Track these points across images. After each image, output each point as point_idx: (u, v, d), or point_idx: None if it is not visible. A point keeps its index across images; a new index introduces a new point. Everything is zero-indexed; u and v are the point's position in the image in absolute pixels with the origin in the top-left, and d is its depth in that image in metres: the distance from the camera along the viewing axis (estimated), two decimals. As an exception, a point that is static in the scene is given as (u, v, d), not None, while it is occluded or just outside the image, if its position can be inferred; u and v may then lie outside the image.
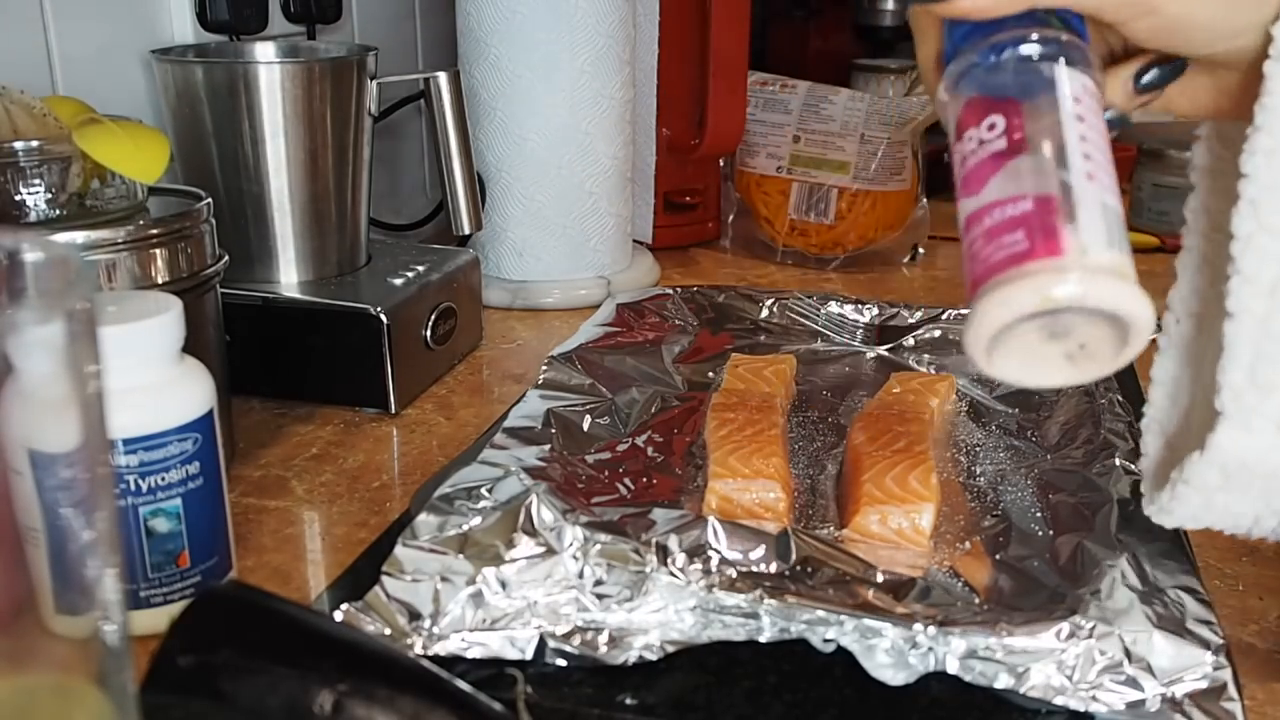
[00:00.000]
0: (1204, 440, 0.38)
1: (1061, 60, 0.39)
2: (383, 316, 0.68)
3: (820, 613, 0.42)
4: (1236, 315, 0.38)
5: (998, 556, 0.49)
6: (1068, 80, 0.39)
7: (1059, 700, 0.40)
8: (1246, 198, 0.38)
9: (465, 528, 0.46)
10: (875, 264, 1.04)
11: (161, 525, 0.45)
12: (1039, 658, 0.40)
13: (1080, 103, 0.38)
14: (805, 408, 0.67)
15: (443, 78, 0.76)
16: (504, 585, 0.44)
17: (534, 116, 0.87)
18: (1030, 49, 0.39)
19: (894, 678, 0.41)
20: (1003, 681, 0.40)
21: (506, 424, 0.58)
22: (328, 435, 0.66)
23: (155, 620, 0.40)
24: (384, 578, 0.45)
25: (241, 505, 0.57)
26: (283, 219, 0.71)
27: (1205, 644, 0.40)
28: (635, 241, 0.99)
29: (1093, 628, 0.40)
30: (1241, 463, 0.38)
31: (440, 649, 0.43)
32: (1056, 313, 0.35)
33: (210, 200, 0.58)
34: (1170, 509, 0.41)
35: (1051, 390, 0.67)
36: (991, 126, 0.38)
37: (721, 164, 1.12)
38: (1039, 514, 0.53)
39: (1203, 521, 0.41)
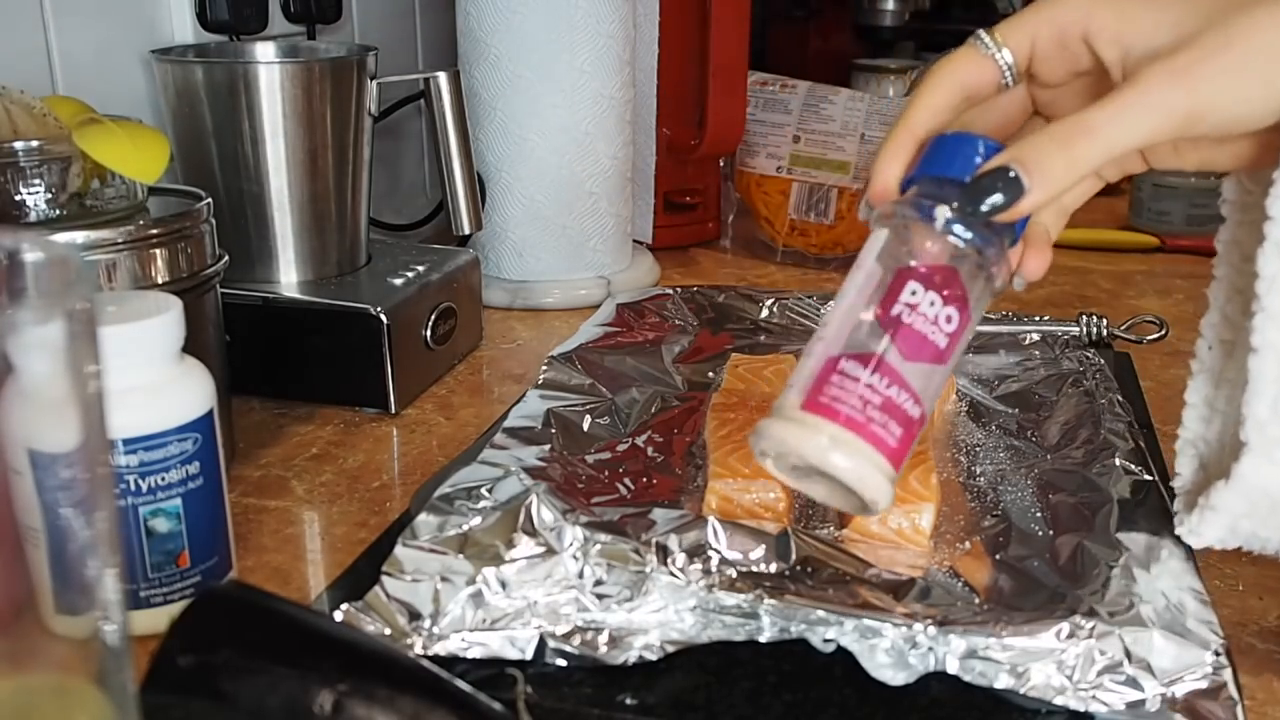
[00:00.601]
0: (1230, 469, 0.39)
1: (987, 299, 0.43)
2: (383, 316, 0.68)
3: (820, 613, 0.42)
4: (1261, 350, 0.39)
5: (998, 556, 0.49)
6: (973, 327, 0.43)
7: (1059, 700, 0.40)
8: (1272, 239, 0.39)
9: (465, 528, 0.46)
10: (875, 264, 1.04)
11: (161, 525, 0.45)
12: (1039, 658, 0.40)
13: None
14: (805, 408, 0.66)
15: (443, 78, 0.76)
16: (504, 585, 0.44)
17: (534, 116, 0.87)
18: (996, 280, 0.42)
19: (894, 678, 0.41)
20: (1003, 681, 0.40)
21: (506, 424, 0.58)
22: (328, 435, 0.66)
23: (155, 620, 0.40)
24: (384, 578, 0.45)
25: (241, 505, 0.57)
26: (283, 219, 0.71)
27: (1205, 644, 0.40)
28: (635, 241, 0.99)
29: (1093, 628, 0.40)
30: (1264, 491, 0.40)
31: (440, 649, 0.43)
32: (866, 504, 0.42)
33: (210, 200, 0.58)
34: (1199, 531, 0.43)
35: (1051, 390, 0.67)
36: (949, 319, 0.41)
37: (721, 164, 1.12)
38: (1039, 514, 0.53)
39: (1229, 544, 0.43)
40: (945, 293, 0.40)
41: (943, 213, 0.41)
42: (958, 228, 0.41)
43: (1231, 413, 0.45)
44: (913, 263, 0.41)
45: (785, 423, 0.41)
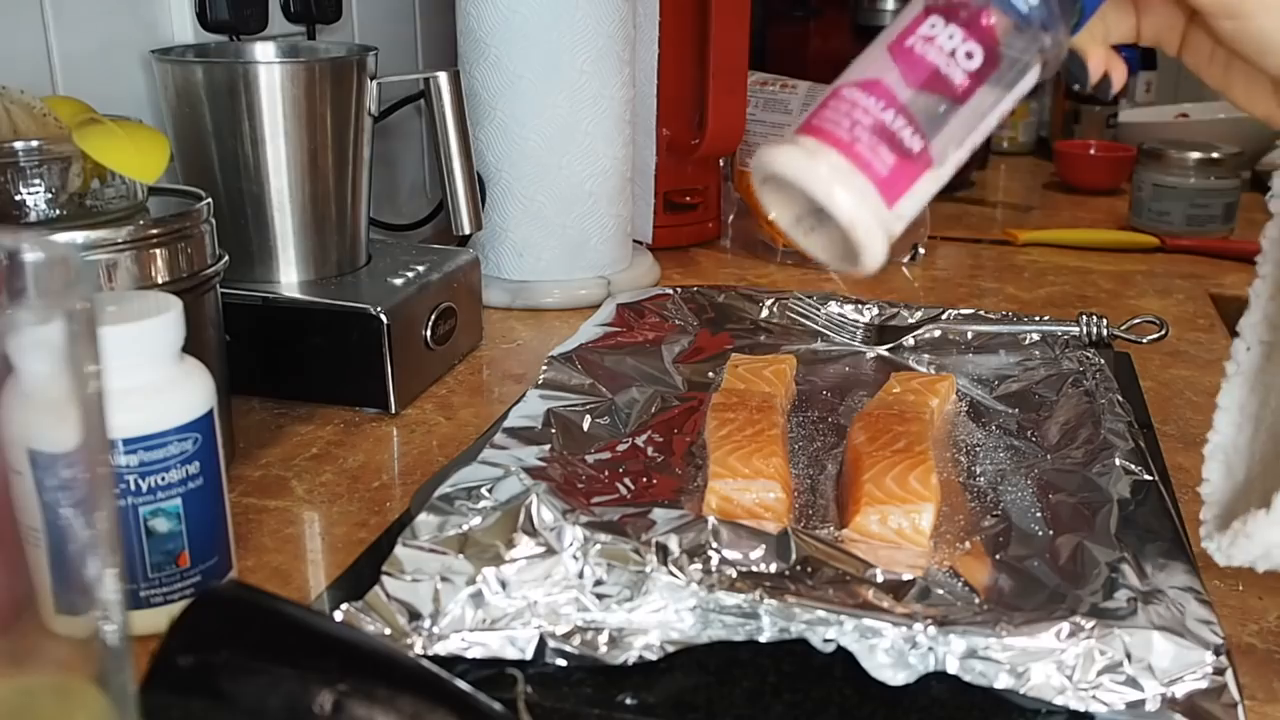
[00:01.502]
0: (1270, 477, 0.38)
1: (1038, 66, 0.39)
2: (383, 316, 0.68)
3: (820, 613, 0.42)
4: None
5: (998, 556, 0.49)
6: (1028, 80, 0.39)
7: (1059, 700, 0.40)
8: None
9: (465, 528, 0.46)
10: (875, 264, 1.04)
11: (161, 525, 0.45)
12: (1039, 658, 0.40)
13: (1012, 104, 0.40)
14: (805, 408, 0.67)
15: (443, 78, 0.76)
16: (504, 585, 0.44)
17: (534, 116, 0.87)
18: (1047, 32, 0.39)
19: (894, 678, 0.41)
20: (1003, 681, 0.40)
21: (506, 424, 0.58)
22: (328, 435, 0.66)
23: (155, 620, 0.40)
24: (384, 578, 0.44)
25: (241, 505, 0.57)
26: (283, 219, 0.71)
27: (1205, 644, 0.40)
28: (635, 241, 0.99)
29: (1093, 628, 0.40)
30: None
31: (440, 649, 0.43)
32: (823, 214, 0.38)
33: (210, 200, 0.58)
34: (1229, 554, 0.42)
35: (1051, 390, 0.67)
36: (969, 55, 0.38)
37: (721, 164, 1.12)
38: (1039, 514, 0.53)
39: (1260, 568, 0.42)
40: (969, 29, 0.38)
41: None
42: None
43: (1267, 418, 0.43)
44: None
45: (774, 144, 0.39)
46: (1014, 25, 0.39)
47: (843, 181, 0.38)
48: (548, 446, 0.55)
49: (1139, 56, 2.02)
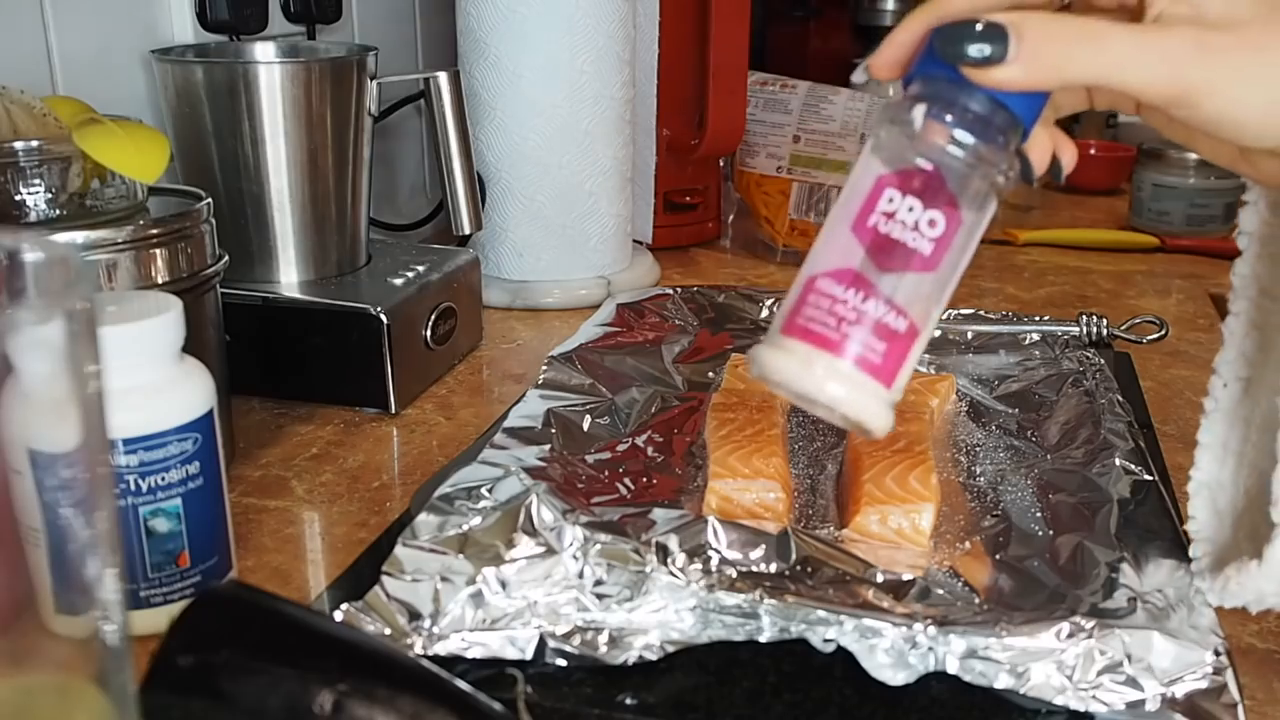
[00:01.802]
0: (1257, 511, 0.39)
1: (995, 198, 0.39)
2: (383, 316, 0.68)
3: (820, 613, 0.42)
4: None
5: (998, 556, 0.49)
6: (991, 210, 0.39)
7: (1059, 700, 0.40)
8: None
9: (465, 528, 0.46)
10: (875, 264, 1.04)
11: (161, 525, 0.45)
12: (1039, 658, 0.40)
13: (980, 235, 0.40)
14: (805, 408, 0.66)
15: (443, 78, 0.76)
16: (504, 585, 0.44)
17: (534, 116, 0.87)
18: (1000, 171, 0.39)
19: (894, 678, 0.41)
20: (1003, 681, 0.40)
21: (506, 424, 0.58)
22: (328, 435, 0.66)
23: (155, 620, 0.40)
24: (384, 578, 0.45)
25: (241, 505, 0.57)
26: (283, 219, 0.71)
27: (1205, 644, 0.40)
28: (635, 241, 0.99)
29: (1093, 628, 0.40)
30: None
31: (440, 649, 0.43)
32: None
33: (210, 200, 0.58)
34: (1222, 597, 0.42)
35: (1051, 390, 0.67)
36: (932, 223, 0.38)
37: (721, 164, 1.12)
38: (1039, 514, 0.53)
39: (1253, 610, 0.42)
40: (926, 196, 0.38)
41: (919, 109, 0.38)
42: (941, 117, 0.38)
43: (1249, 454, 0.43)
44: (887, 169, 0.38)
45: (767, 349, 0.39)
46: (965, 176, 0.38)
47: (841, 380, 0.38)
48: (548, 446, 0.55)
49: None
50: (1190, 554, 0.45)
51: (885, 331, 0.38)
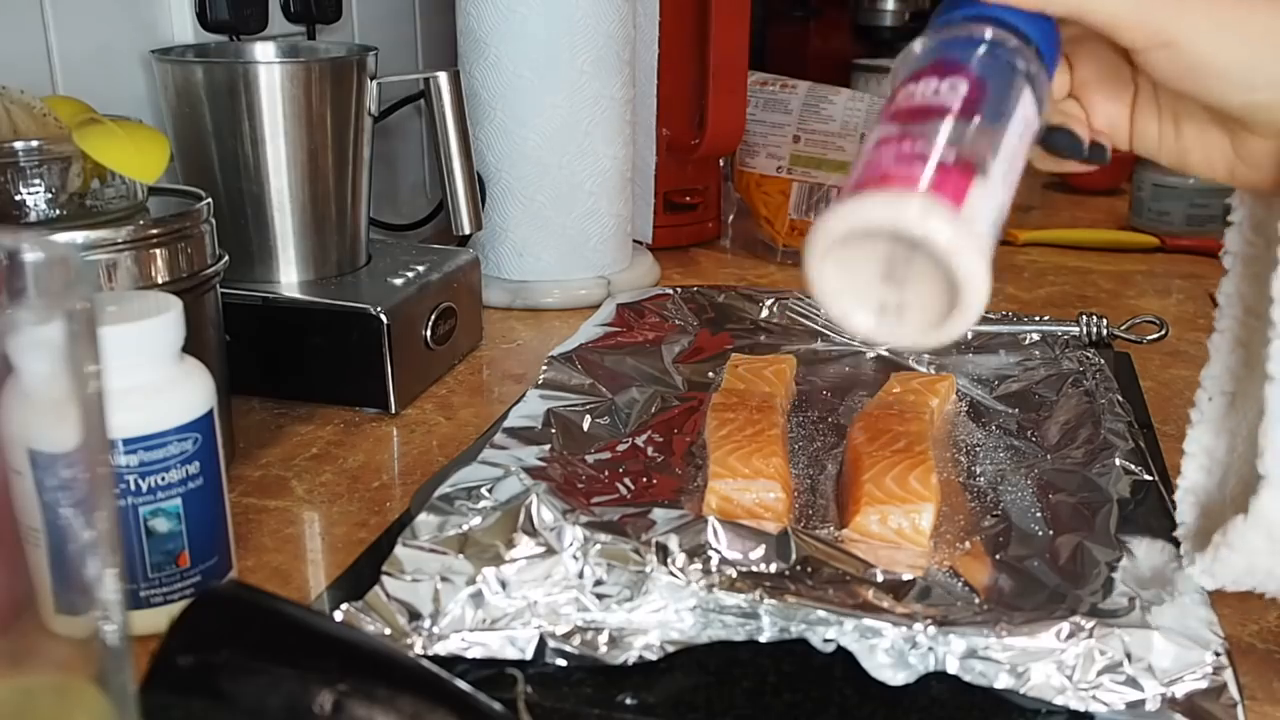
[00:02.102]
0: (1247, 504, 0.39)
1: (1028, 88, 0.40)
2: (383, 316, 0.68)
3: (820, 613, 0.42)
4: (1277, 379, 0.38)
5: (998, 556, 0.49)
6: (1027, 104, 0.40)
7: (1059, 700, 0.40)
8: None
9: (465, 528, 0.46)
10: (875, 264, 1.04)
11: (161, 525, 0.45)
12: (1039, 658, 0.40)
13: (1025, 128, 0.40)
14: (805, 408, 0.67)
15: (443, 78, 0.76)
16: (504, 585, 0.44)
17: (534, 116, 0.87)
18: (1018, 59, 0.40)
19: (894, 678, 0.41)
20: (1003, 681, 0.40)
21: (506, 424, 0.58)
22: (328, 435, 0.66)
23: (155, 620, 0.40)
24: (384, 578, 0.45)
25: (241, 505, 0.57)
26: (283, 219, 0.71)
27: (1205, 644, 0.40)
28: (635, 241, 0.99)
29: (1093, 628, 0.40)
30: None
31: (440, 649, 0.43)
32: (918, 246, 0.35)
33: (210, 200, 0.58)
34: (1213, 571, 0.42)
35: (1051, 390, 0.67)
36: (954, 88, 0.38)
37: (721, 164, 1.12)
38: (1039, 514, 0.53)
39: (1244, 585, 0.42)
40: (940, 71, 0.39)
41: (930, 26, 0.40)
42: (945, 20, 0.40)
43: (1233, 463, 0.44)
44: (901, 79, 0.40)
45: (830, 209, 0.36)
46: (972, 49, 0.40)
47: (914, 207, 0.35)
48: (548, 446, 0.55)
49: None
50: (1180, 551, 0.46)
51: (934, 160, 0.36)
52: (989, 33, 0.40)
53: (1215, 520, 0.44)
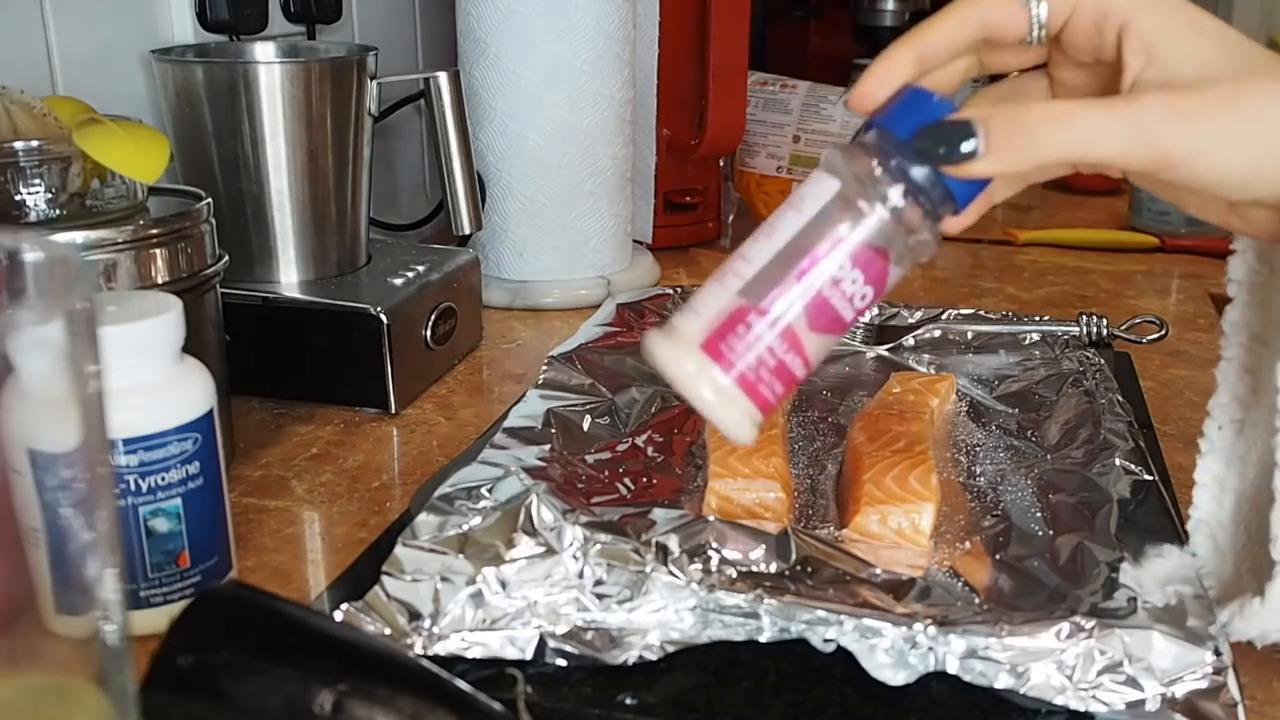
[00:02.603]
0: (1258, 568, 0.39)
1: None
2: (383, 316, 0.68)
3: (820, 613, 0.42)
4: None
5: (998, 556, 0.49)
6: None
7: (1059, 700, 0.40)
8: None
9: (465, 528, 0.46)
10: (875, 264, 1.04)
11: (161, 525, 0.45)
12: (1039, 658, 0.40)
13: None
14: (805, 408, 0.67)
15: (443, 78, 0.76)
16: (504, 585, 0.44)
17: (534, 116, 0.87)
18: (920, 254, 0.41)
19: (894, 678, 0.41)
20: (1003, 681, 0.40)
21: (506, 424, 0.58)
22: (328, 435, 0.66)
23: (155, 620, 0.40)
24: (384, 578, 0.45)
25: (241, 505, 0.57)
26: (283, 219, 0.71)
27: (1205, 644, 0.40)
28: (635, 241, 0.99)
29: (1093, 628, 0.40)
30: None
31: (440, 649, 0.43)
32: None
33: (210, 200, 0.58)
34: (1227, 630, 0.42)
35: (1051, 390, 0.67)
36: (863, 297, 0.40)
37: (721, 164, 1.12)
38: (1039, 514, 0.53)
39: (1258, 645, 0.43)
40: (870, 271, 0.39)
41: (889, 181, 0.39)
42: (902, 193, 0.39)
43: (1248, 491, 0.44)
44: (850, 234, 0.39)
45: (677, 351, 0.40)
46: (905, 238, 0.40)
47: (740, 413, 0.41)
48: (548, 446, 0.55)
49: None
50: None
51: (790, 379, 0.41)
52: (875, 172, 0.40)
53: (1228, 556, 0.45)
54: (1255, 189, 0.38)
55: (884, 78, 0.41)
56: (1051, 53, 0.43)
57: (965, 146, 0.38)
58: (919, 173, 0.39)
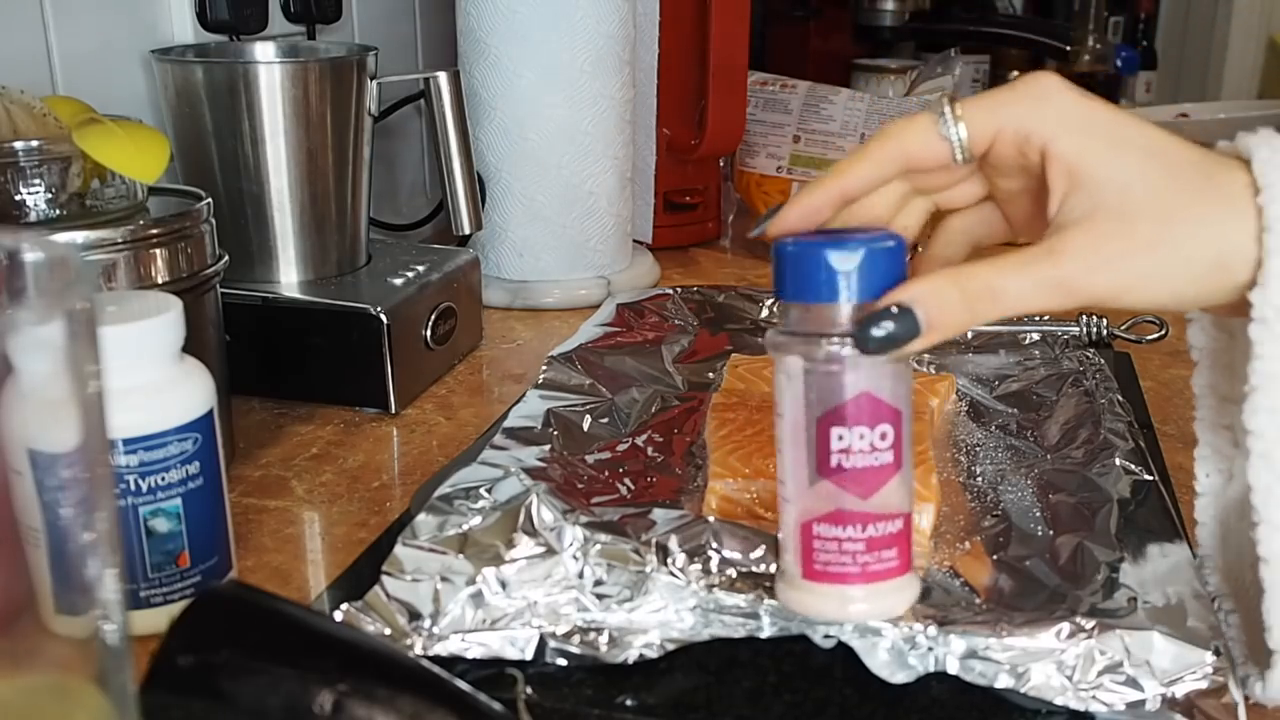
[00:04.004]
0: (1265, 675, 0.40)
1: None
2: (383, 316, 0.68)
3: (820, 613, 0.42)
4: (1271, 561, 0.39)
5: (998, 556, 0.49)
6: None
7: (1059, 700, 0.40)
8: (1257, 452, 0.39)
9: (465, 528, 0.46)
10: (875, 264, 1.04)
11: (161, 525, 0.45)
12: (1039, 658, 0.40)
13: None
14: (805, 408, 0.66)
15: (443, 78, 0.76)
16: (504, 585, 0.44)
17: (534, 116, 0.87)
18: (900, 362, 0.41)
19: (894, 677, 0.41)
20: (1003, 681, 0.40)
21: (506, 424, 0.58)
22: (328, 435, 0.66)
23: (155, 620, 0.40)
24: (384, 578, 0.45)
25: (241, 505, 0.57)
26: (283, 219, 0.71)
27: (1205, 644, 0.40)
28: (635, 241, 0.99)
29: (1093, 628, 0.40)
30: None
31: (440, 649, 0.43)
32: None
33: (210, 200, 0.58)
34: (1248, 690, 0.42)
35: (1051, 390, 0.67)
36: (884, 436, 0.40)
37: (721, 164, 1.12)
38: (1039, 514, 0.53)
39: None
40: (869, 418, 0.40)
41: (831, 354, 0.40)
42: (856, 357, 0.40)
43: (1244, 529, 0.44)
44: (824, 409, 0.40)
45: (797, 594, 0.42)
46: (884, 382, 0.40)
47: (876, 600, 0.41)
48: (548, 447, 0.55)
49: (1139, 56, 2.02)
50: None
51: (890, 536, 0.41)
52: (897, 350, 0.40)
53: (1231, 591, 0.45)
54: (1188, 304, 0.40)
55: (807, 217, 0.42)
56: (982, 167, 0.44)
57: (909, 331, 0.38)
58: (862, 339, 0.39)
